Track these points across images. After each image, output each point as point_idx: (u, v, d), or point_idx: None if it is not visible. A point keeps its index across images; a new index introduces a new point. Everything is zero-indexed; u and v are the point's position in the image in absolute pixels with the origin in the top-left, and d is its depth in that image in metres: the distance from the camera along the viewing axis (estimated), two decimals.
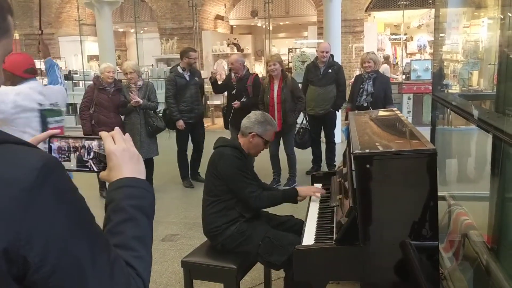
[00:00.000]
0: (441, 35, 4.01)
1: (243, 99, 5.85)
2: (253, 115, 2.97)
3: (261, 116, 2.96)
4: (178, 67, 5.90)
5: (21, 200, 0.68)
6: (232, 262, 2.69)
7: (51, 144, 0.99)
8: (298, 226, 2.84)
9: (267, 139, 2.94)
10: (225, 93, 6.86)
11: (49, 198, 0.71)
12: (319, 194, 2.93)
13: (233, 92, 5.98)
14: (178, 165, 6.14)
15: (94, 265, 0.75)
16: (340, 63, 6.96)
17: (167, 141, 6.20)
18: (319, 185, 3.18)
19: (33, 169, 0.70)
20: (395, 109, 3.24)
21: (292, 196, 2.94)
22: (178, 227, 4.72)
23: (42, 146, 0.95)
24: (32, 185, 0.69)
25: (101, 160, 0.99)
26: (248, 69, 6.16)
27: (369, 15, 12.85)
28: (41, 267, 0.69)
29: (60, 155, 0.98)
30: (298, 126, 6.03)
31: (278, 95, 5.57)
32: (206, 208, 2.89)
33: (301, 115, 5.99)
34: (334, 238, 2.17)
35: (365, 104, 5.82)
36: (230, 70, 6.27)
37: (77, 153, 0.99)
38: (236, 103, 5.80)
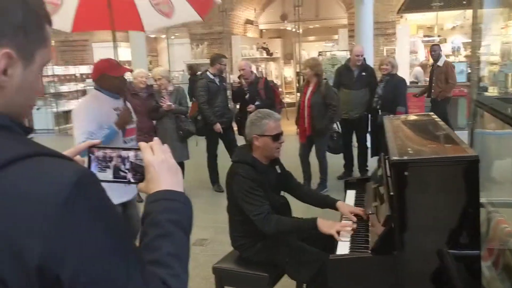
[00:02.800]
0: (478, 36, 3.88)
1: (257, 103, 5.88)
2: (248, 120, 2.74)
3: (254, 115, 2.71)
4: (208, 73, 5.93)
5: (54, 216, 0.66)
6: (264, 270, 2.66)
7: (90, 155, 0.97)
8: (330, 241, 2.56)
9: (272, 134, 2.63)
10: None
11: (83, 214, 0.69)
12: (341, 234, 2.33)
13: (246, 97, 6.03)
14: (209, 169, 6.17)
15: (129, 283, 0.72)
16: (372, 66, 6.88)
17: (196, 147, 6.22)
18: (352, 192, 3.09)
19: (67, 184, 0.68)
20: (432, 113, 3.13)
21: (308, 229, 2.55)
22: (208, 231, 4.72)
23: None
24: (66, 201, 0.67)
25: (138, 171, 0.96)
26: (256, 74, 6.38)
27: (401, 17, 12.63)
28: (74, 285, 0.67)
29: (97, 166, 0.97)
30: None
31: (309, 99, 5.52)
32: (229, 224, 2.84)
33: None
34: (370, 247, 2.11)
35: (378, 107, 5.83)
36: (239, 77, 6.35)
37: (114, 163, 0.97)
38: (250, 107, 5.82)
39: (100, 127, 2.95)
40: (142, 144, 0.97)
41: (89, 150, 0.97)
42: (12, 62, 0.73)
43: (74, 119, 3.01)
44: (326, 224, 2.46)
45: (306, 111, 5.54)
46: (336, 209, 2.70)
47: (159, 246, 0.84)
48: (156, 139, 1.00)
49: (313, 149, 5.81)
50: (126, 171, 0.97)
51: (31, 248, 0.65)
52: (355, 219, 2.52)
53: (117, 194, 2.89)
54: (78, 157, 0.96)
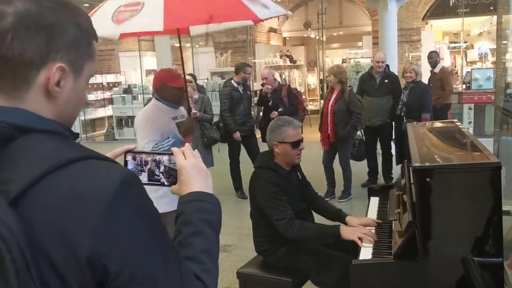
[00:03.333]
0: (503, 42, 3.85)
1: (280, 109, 6.02)
2: (268, 127, 2.80)
3: (274, 123, 2.78)
4: (233, 81, 6.04)
5: (102, 212, 0.73)
6: (287, 275, 2.69)
7: (126, 159, 1.04)
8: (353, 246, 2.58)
9: (291, 141, 2.68)
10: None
11: (128, 211, 0.76)
12: (361, 244, 2.35)
13: (270, 103, 6.19)
14: (231, 176, 6.24)
15: (167, 275, 0.78)
16: (396, 73, 6.85)
17: (218, 153, 6.32)
18: (376, 199, 3.10)
19: (114, 183, 0.75)
20: (455, 120, 3.13)
21: (330, 236, 2.58)
22: (232, 237, 4.77)
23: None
24: (113, 199, 0.74)
25: (171, 174, 1.03)
26: (279, 82, 6.53)
27: (426, 23, 12.51)
28: (120, 275, 0.74)
29: (133, 169, 1.03)
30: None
31: (332, 106, 5.55)
32: (253, 229, 2.89)
33: None
34: (392, 253, 2.12)
35: (402, 114, 5.82)
36: (262, 85, 6.53)
37: (149, 167, 1.03)
38: (274, 114, 5.93)
39: (162, 136, 3.04)
40: (175, 149, 1.04)
41: (126, 154, 1.04)
42: (65, 75, 0.81)
43: (139, 129, 3.10)
44: (349, 230, 2.50)
45: (330, 118, 5.57)
46: (346, 223, 2.74)
47: (192, 243, 0.92)
48: (187, 144, 1.07)
49: (337, 156, 5.82)
50: (160, 174, 1.04)
51: (82, 242, 0.72)
52: (380, 221, 2.58)
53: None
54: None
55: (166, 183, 1.04)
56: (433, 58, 7.42)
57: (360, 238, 2.39)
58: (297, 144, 2.72)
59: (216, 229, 0.97)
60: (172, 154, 1.03)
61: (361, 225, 2.63)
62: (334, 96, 5.58)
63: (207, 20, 2.70)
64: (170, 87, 3.12)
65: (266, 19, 3.05)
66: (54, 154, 0.76)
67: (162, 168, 1.03)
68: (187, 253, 0.89)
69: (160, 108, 3.18)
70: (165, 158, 1.04)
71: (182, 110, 3.38)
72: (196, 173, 1.01)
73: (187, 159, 1.03)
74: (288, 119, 2.79)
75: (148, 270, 0.76)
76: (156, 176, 1.04)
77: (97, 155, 0.80)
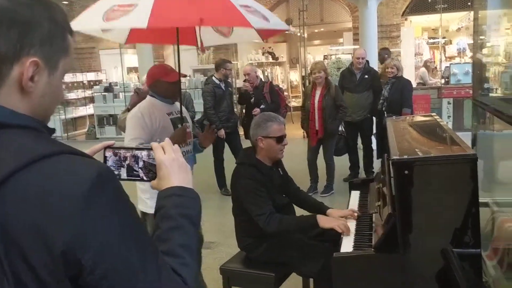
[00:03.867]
0: (480, 37, 3.91)
1: (262, 106, 6.03)
2: (253, 122, 2.83)
3: (259, 118, 2.82)
4: (214, 78, 6.03)
5: (78, 207, 0.73)
6: (270, 270, 2.71)
7: (105, 155, 1.03)
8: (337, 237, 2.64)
9: (276, 136, 2.72)
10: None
11: (103, 206, 0.76)
12: (340, 230, 2.45)
13: (252, 100, 6.20)
14: (216, 173, 6.24)
15: (144, 270, 0.78)
16: (376, 68, 6.91)
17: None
18: (356, 192, 3.13)
19: (89, 179, 0.75)
20: (434, 114, 3.17)
21: (309, 226, 2.66)
22: (216, 234, 4.77)
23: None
24: (88, 194, 0.74)
25: (150, 169, 1.03)
26: (261, 79, 6.59)
27: (406, 19, 12.65)
28: (95, 269, 0.73)
29: (112, 165, 1.03)
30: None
31: (319, 101, 5.59)
32: (235, 225, 2.92)
33: None
34: (373, 246, 2.15)
35: (383, 109, 5.88)
36: (245, 81, 6.51)
37: (128, 163, 1.03)
38: (256, 111, 5.93)
39: (150, 136, 2.94)
40: (154, 144, 1.04)
41: (105, 150, 1.03)
42: (39, 70, 0.81)
43: (127, 126, 3.04)
44: (326, 219, 2.60)
45: (318, 114, 5.61)
46: (327, 215, 2.78)
47: (170, 237, 0.91)
48: (167, 139, 1.06)
49: (321, 151, 5.86)
50: (139, 169, 1.03)
51: (57, 236, 0.72)
52: (358, 213, 2.68)
53: None
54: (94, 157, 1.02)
55: (145, 178, 1.03)
56: (381, 55, 7.56)
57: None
58: (281, 139, 2.76)
59: (195, 223, 0.97)
60: (151, 149, 1.03)
61: (341, 216, 2.69)
62: (319, 92, 5.61)
63: (197, 22, 2.65)
64: (163, 82, 3.05)
65: (260, 29, 3.01)
66: (28, 149, 0.76)
67: (141, 164, 1.03)
68: (165, 248, 0.89)
69: (154, 104, 3.10)
70: (144, 153, 1.03)
71: (178, 106, 3.29)
72: (176, 167, 1.01)
73: (167, 153, 1.02)
74: (273, 114, 2.84)
75: (124, 264, 0.76)
76: (135, 172, 1.03)
77: (71, 150, 0.80)
